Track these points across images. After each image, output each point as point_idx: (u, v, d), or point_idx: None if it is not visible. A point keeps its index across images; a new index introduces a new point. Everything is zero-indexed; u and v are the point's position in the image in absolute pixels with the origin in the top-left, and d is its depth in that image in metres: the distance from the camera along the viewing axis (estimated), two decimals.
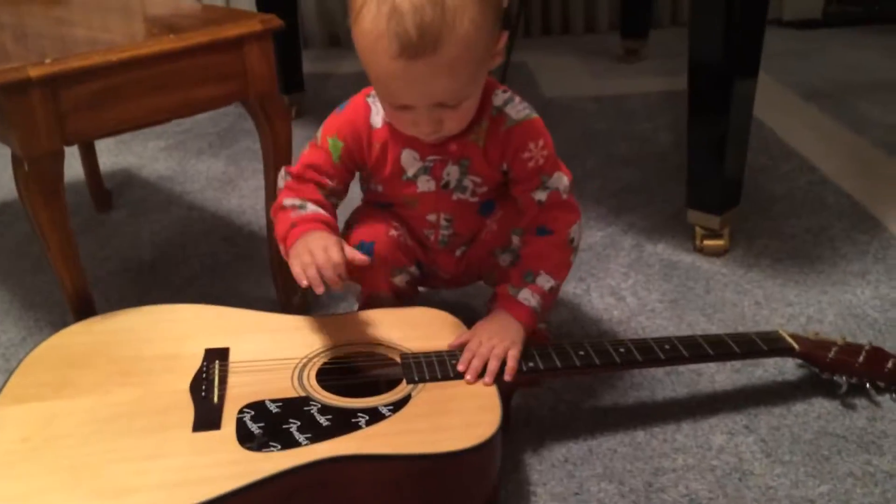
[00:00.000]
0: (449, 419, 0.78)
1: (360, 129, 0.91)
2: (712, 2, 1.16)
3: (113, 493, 0.69)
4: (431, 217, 0.97)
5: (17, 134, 0.87)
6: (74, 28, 1.11)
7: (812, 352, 0.97)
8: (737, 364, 1.03)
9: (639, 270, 1.27)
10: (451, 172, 0.92)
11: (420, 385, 0.82)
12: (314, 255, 0.83)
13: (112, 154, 1.82)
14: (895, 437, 0.91)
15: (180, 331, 0.91)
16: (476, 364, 0.84)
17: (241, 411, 0.77)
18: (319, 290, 0.81)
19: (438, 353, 0.87)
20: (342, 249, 0.84)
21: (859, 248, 1.30)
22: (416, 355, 0.87)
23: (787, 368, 1.03)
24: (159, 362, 0.85)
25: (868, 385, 0.96)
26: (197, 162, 1.78)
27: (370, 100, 0.92)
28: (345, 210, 0.99)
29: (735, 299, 1.18)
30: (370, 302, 0.98)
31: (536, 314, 0.91)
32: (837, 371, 0.96)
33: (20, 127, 0.87)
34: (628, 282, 1.24)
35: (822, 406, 0.96)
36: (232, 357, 0.86)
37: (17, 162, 0.91)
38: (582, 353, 0.89)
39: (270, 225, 1.14)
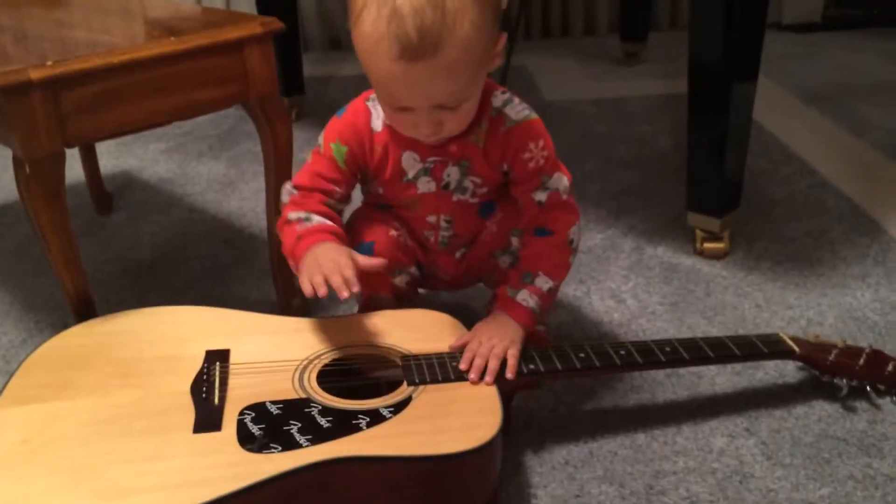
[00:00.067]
0: (449, 421, 0.78)
1: (361, 133, 0.92)
2: (712, 4, 1.16)
3: (113, 494, 0.69)
4: (431, 218, 0.97)
5: (18, 136, 0.87)
6: (74, 30, 1.12)
7: (812, 354, 0.97)
8: (737, 366, 1.03)
9: (639, 273, 1.27)
10: (452, 173, 0.93)
11: (420, 387, 0.82)
12: (321, 266, 0.83)
13: (113, 156, 1.82)
14: None
15: (181, 332, 0.91)
16: (478, 363, 0.84)
17: (241, 413, 0.77)
18: (322, 290, 0.81)
19: (439, 355, 0.87)
20: (352, 260, 0.84)
21: (859, 251, 1.30)
22: (416, 357, 0.87)
23: (787, 371, 1.03)
24: (160, 364, 0.85)
25: (868, 388, 0.96)
26: (197, 164, 1.78)
27: (370, 103, 0.93)
28: (345, 211, 0.99)
29: (735, 302, 1.18)
30: (370, 303, 0.98)
31: (535, 315, 0.91)
32: (838, 374, 0.96)
33: (21, 129, 0.87)
34: (628, 284, 1.24)
35: (822, 409, 0.96)
36: (232, 359, 0.86)
37: (18, 164, 0.91)
38: (582, 354, 0.89)
39: (271, 227, 1.15)
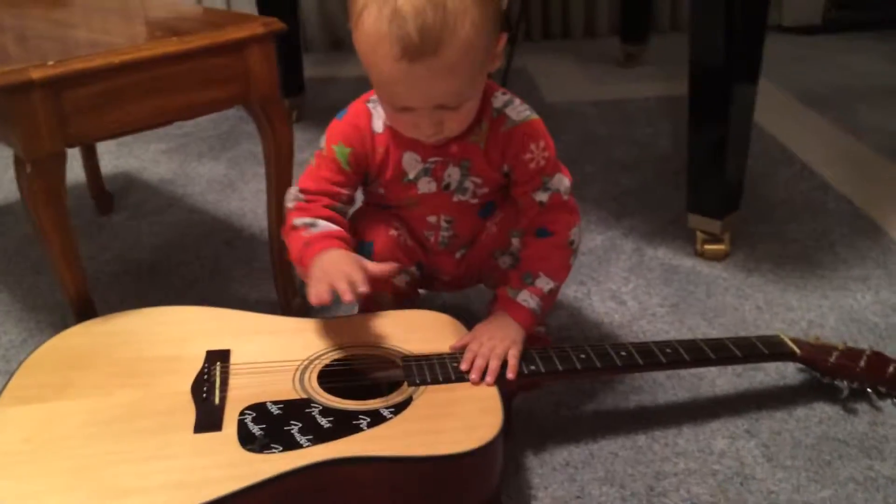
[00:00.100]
0: (450, 422, 0.78)
1: (363, 134, 0.92)
2: (713, 7, 1.16)
3: (114, 494, 0.69)
4: (431, 218, 0.97)
5: (19, 135, 0.87)
6: (75, 30, 1.11)
7: (813, 356, 0.97)
8: (738, 368, 1.03)
9: (639, 274, 1.27)
10: (452, 174, 0.93)
11: (421, 387, 0.82)
12: (329, 274, 0.82)
13: (113, 157, 1.82)
14: None
15: (181, 333, 0.91)
16: (479, 363, 0.84)
17: (242, 413, 0.77)
18: (327, 298, 0.80)
19: (439, 356, 0.87)
20: (361, 268, 0.83)
21: (860, 254, 1.30)
22: (417, 358, 0.86)
23: (788, 373, 1.03)
24: (160, 364, 0.85)
25: (869, 390, 0.96)
26: (198, 165, 1.78)
27: (370, 105, 0.93)
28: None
29: (736, 304, 1.18)
30: (370, 303, 0.98)
31: (535, 315, 0.91)
32: (839, 376, 0.96)
33: (22, 128, 0.87)
34: (629, 286, 1.24)
35: (823, 411, 0.96)
36: (233, 359, 0.86)
37: (19, 163, 0.91)
38: (583, 356, 0.89)
39: (272, 228, 1.15)
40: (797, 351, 0.96)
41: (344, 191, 0.93)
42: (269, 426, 0.76)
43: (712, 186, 1.27)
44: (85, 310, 0.97)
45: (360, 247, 0.93)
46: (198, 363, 0.85)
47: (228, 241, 1.44)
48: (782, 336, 0.98)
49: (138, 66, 0.93)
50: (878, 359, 0.98)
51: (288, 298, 1.19)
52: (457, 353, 0.87)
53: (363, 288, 0.81)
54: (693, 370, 1.03)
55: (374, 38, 0.77)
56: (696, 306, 1.18)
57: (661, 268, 1.28)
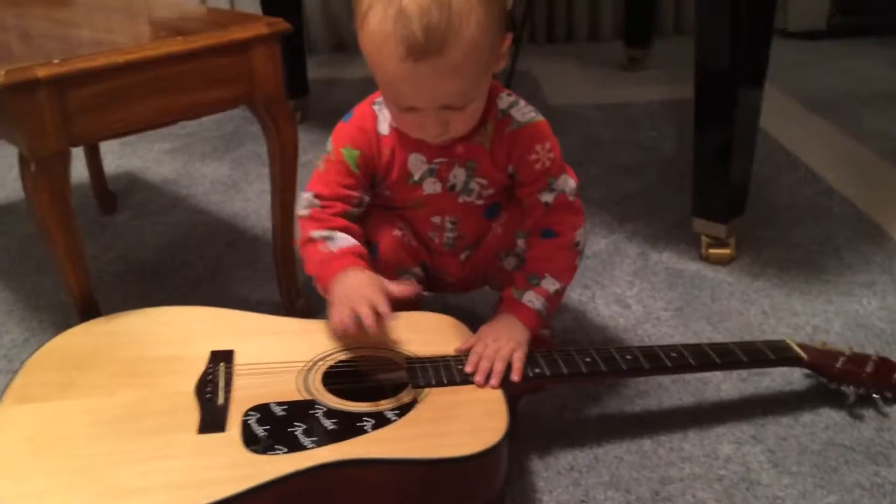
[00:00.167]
0: (455, 424, 0.78)
1: (370, 136, 0.91)
2: (719, 11, 1.16)
3: (116, 494, 0.68)
4: (436, 219, 0.97)
5: (24, 134, 0.87)
6: (79, 29, 1.11)
7: (819, 362, 0.96)
8: (743, 373, 1.03)
9: (644, 278, 1.26)
10: (458, 175, 0.92)
11: (426, 390, 0.82)
12: (351, 299, 0.82)
13: (116, 156, 1.82)
14: None
15: (185, 333, 0.90)
16: (484, 365, 0.83)
17: (246, 414, 0.77)
18: (348, 323, 0.80)
19: (444, 358, 0.86)
20: (382, 290, 0.83)
21: (865, 259, 1.29)
22: (421, 360, 0.86)
23: (794, 378, 1.02)
24: (164, 364, 0.84)
25: (876, 395, 0.96)
26: (201, 165, 1.78)
27: (376, 107, 0.92)
28: None
29: (741, 308, 1.17)
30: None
31: (541, 316, 0.91)
32: (845, 381, 0.96)
33: (27, 127, 0.87)
34: (633, 289, 1.23)
35: (829, 416, 0.95)
36: (237, 359, 0.85)
37: (24, 162, 0.90)
38: (588, 359, 0.88)
39: (276, 229, 1.14)
40: (804, 356, 0.96)
41: (355, 194, 0.93)
42: (274, 427, 0.75)
43: (718, 190, 1.27)
44: (88, 309, 0.96)
45: (366, 247, 0.92)
46: (201, 363, 0.84)
47: (231, 242, 1.43)
48: (789, 341, 0.97)
49: (143, 66, 0.93)
50: (885, 364, 0.97)
51: (291, 300, 1.18)
52: (461, 356, 0.87)
53: (384, 310, 0.81)
54: (698, 375, 1.02)
55: (380, 38, 0.77)
56: (700, 311, 1.17)
57: (666, 272, 1.28)
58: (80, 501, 0.68)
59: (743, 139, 1.24)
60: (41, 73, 0.85)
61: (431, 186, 0.93)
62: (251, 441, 0.73)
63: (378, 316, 0.80)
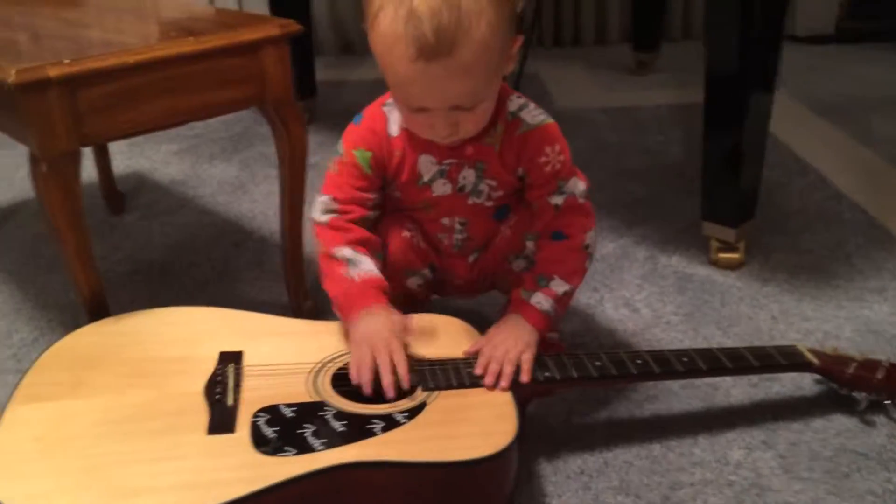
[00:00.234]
0: (465, 427, 0.78)
1: (381, 138, 0.92)
2: (729, 14, 1.15)
3: (125, 494, 0.68)
4: (445, 221, 0.96)
5: (35, 134, 0.87)
6: (88, 30, 1.11)
7: (831, 367, 0.96)
8: (753, 378, 1.02)
9: (653, 282, 1.26)
10: (468, 176, 0.92)
11: (435, 392, 0.82)
12: (374, 347, 0.82)
13: (125, 157, 1.82)
14: None
15: (194, 333, 0.90)
16: (493, 368, 0.83)
17: (255, 415, 0.77)
18: (367, 378, 0.81)
19: (453, 361, 0.86)
20: (403, 329, 0.85)
21: (876, 264, 1.29)
22: (430, 362, 0.86)
23: (804, 384, 1.01)
24: (173, 364, 0.84)
25: (887, 402, 0.95)
26: (209, 166, 1.78)
27: (386, 109, 0.92)
28: None
29: (751, 313, 1.17)
30: None
31: (549, 318, 0.90)
32: (856, 387, 0.95)
33: (38, 126, 0.87)
34: (642, 293, 1.23)
35: (841, 422, 0.95)
36: (246, 360, 0.85)
37: (34, 162, 0.90)
38: (598, 363, 0.88)
39: (284, 229, 1.14)
40: (815, 361, 0.95)
41: (370, 196, 0.93)
42: (283, 429, 0.75)
43: (727, 195, 1.26)
44: (98, 309, 0.96)
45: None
46: (210, 364, 0.84)
47: (239, 243, 1.43)
48: (800, 346, 0.97)
49: (154, 66, 0.93)
50: None
51: (299, 301, 1.18)
52: (470, 358, 0.86)
53: (399, 357, 0.82)
54: (708, 380, 1.01)
55: (391, 38, 0.77)
56: (710, 315, 1.17)
57: (675, 276, 1.27)
58: (89, 501, 0.68)
59: (753, 144, 1.24)
60: (52, 72, 0.85)
61: (442, 187, 0.93)
62: (260, 442, 0.73)
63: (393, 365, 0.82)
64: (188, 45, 0.95)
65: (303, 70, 1.96)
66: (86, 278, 0.95)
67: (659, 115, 2.01)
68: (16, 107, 0.87)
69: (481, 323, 0.93)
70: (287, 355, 0.86)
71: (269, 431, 0.75)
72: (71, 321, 1.17)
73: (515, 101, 0.92)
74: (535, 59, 2.38)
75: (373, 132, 0.92)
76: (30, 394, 0.80)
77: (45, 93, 0.85)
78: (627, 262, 1.32)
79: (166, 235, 1.47)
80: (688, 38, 2.69)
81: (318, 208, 0.94)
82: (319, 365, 0.85)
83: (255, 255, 1.39)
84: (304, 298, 1.18)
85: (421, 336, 0.89)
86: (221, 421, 0.76)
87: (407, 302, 0.98)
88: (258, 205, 1.58)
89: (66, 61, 0.87)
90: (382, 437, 0.75)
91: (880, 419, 0.95)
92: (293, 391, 0.81)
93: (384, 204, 0.98)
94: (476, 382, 0.83)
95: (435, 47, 0.75)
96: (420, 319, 0.93)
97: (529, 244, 0.96)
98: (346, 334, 0.90)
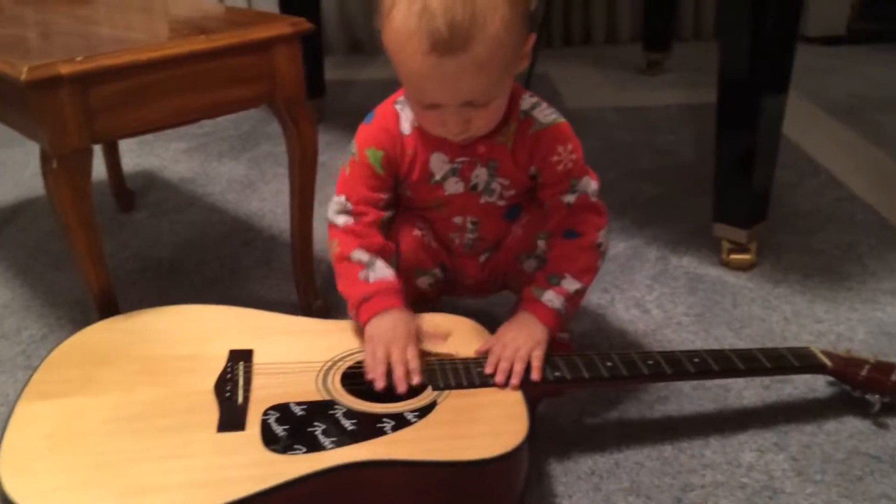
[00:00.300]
0: (476, 427, 0.77)
1: (393, 136, 0.91)
2: (743, 15, 1.15)
3: (135, 491, 0.68)
4: (457, 220, 0.96)
5: (46, 131, 0.87)
6: (99, 27, 1.12)
7: (844, 369, 0.95)
8: (766, 380, 1.01)
9: (664, 283, 1.25)
10: (480, 174, 0.92)
11: (445, 392, 0.81)
12: (392, 352, 0.83)
13: (134, 155, 1.82)
14: None
15: (204, 331, 0.90)
16: (503, 366, 0.83)
17: (265, 413, 0.76)
18: (381, 386, 0.81)
19: (463, 360, 0.86)
20: (416, 332, 0.86)
21: (889, 266, 1.27)
22: (441, 362, 0.85)
23: (817, 386, 1.01)
24: (183, 362, 0.84)
25: None
26: (218, 165, 1.78)
27: (398, 107, 0.92)
28: None
29: (763, 314, 1.16)
30: None
31: (560, 316, 0.90)
32: (870, 389, 0.94)
33: (50, 124, 0.87)
34: (653, 294, 1.22)
35: (854, 425, 0.94)
36: (256, 359, 0.85)
37: (45, 159, 0.91)
38: (609, 363, 0.87)
39: (294, 228, 1.14)
40: (828, 363, 0.94)
41: (383, 195, 0.93)
42: (293, 427, 0.75)
43: (739, 196, 1.25)
44: (108, 306, 0.96)
45: None
46: (220, 362, 0.84)
47: (248, 242, 1.43)
48: (813, 348, 0.96)
49: (166, 64, 0.93)
50: None
51: (309, 300, 1.18)
52: (480, 358, 0.86)
53: (412, 355, 0.83)
54: (720, 381, 1.01)
55: (404, 34, 0.77)
56: (722, 316, 1.16)
57: (686, 277, 1.27)
58: (99, 499, 0.68)
59: (766, 145, 1.23)
60: (64, 70, 0.85)
61: (454, 186, 0.93)
62: (271, 440, 0.73)
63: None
64: (200, 43, 0.95)
65: (312, 69, 1.96)
66: (96, 275, 0.95)
67: (670, 114, 2.00)
68: (27, 104, 0.87)
69: (492, 323, 0.92)
70: (297, 354, 0.86)
71: (279, 429, 0.74)
72: (80, 318, 1.18)
73: (528, 100, 0.92)
74: (545, 59, 2.37)
75: (384, 130, 0.91)
76: (40, 391, 0.80)
77: (57, 90, 0.85)
78: (638, 263, 1.31)
79: (175, 233, 1.47)
80: (699, 38, 2.68)
81: (332, 209, 0.94)
82: (329, 363, 0.85)
83: (265, 254, 1.39)
84: (314, 297, 1.18)
85: (432, 335, 0.89)
86: (231, 419, 0.76)
87: (417, 301, 0.97)
88: (267, 203, 1.58)
89: (79, 59, 0.87)
90: (392, 436, 0.74)
91: (893, 422, 0.94)
92: (303, 389, 0.81)
93: (397, 203, 0.97)
94: (486, 382, 0.83)
95: (449, 42, 0.75)
96: (431, 319, 0.93)
97: (541, 244, 0.95)
98: (359, 333, 0.90)
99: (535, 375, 0.83)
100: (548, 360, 0.86)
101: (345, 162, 0.94)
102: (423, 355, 0.86)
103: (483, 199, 0.94)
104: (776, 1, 1.12)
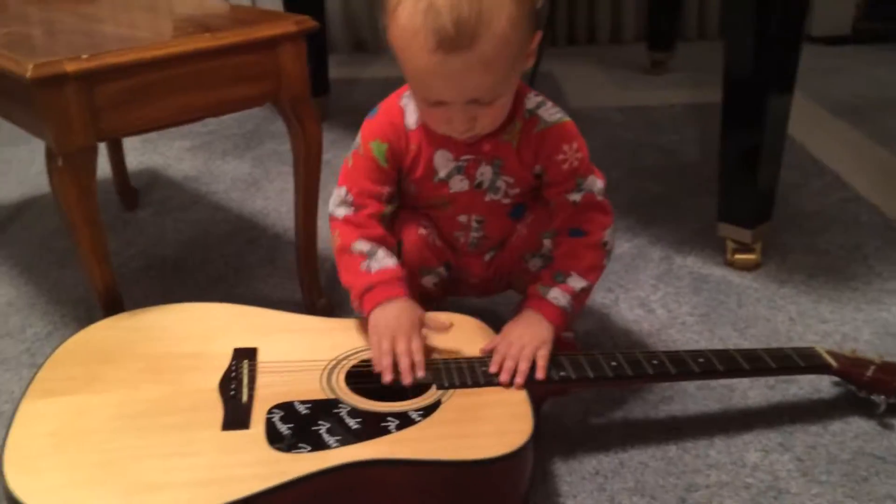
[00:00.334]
0: (480, 426, 0.77)
1: (398, 130, 0.91)
2: (748, 15, 1.14)
3: (140, 489, 0.68)
4: (462, 218, 0.96)
5: (52, 128, 0.87)
6: (103, 25, 1.12)
7: (850, 370, 0.95)
8: (771, 380, 1.01)
9: (668, 283, 1.25)
10: (485, 172, 0.92)
11: (450, 391, 0.81)
12: (397, 343, 0.83)
13: (138, 153, 1.82)
14: None
15: (208, 329, 0.90)
16: (509, 365, 0.83)
17: (270, 411, 0.76)
18: (388, 379, 0.82)
19: (468, 360, 0.86)
20: (420, 322, 0.86)
21: (894, 267, 1.27)
22: (445, 361, 0.85)
23: (822, 386, 1.00)
24: (187, 360, 0.84)
25: None
26: (222, 163, 1.78)
27: (403, 102, 0.92)
28: None
29: (768, 314, 1.16)
30: None
31: (566, 314, 0.90)
32: (875, 390, 0.94)
33: (55, 121, 0.87)
34: (657, 294, 1.22)
35: (859, 425, 0.94)
36: (260, 357, 0.85)
37: (51, 157, 0.91)
38: (614, 363, 0.87)
39: (299, 227, 1.14)
40: (833, 364, 0.94)
41: (385, 189, 0.92)
42: (297, 425, 0.75)
43: (744, 195, 1.25)
44: (112, 304, 0.96)
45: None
46: (225, 360, 0.84)
47: (252, 240, 1.43)
48: (818, 348, 0.96)
49: (172, 62, 0.93)
50: None
51: (313, 299, 1.18)
52: (485, 357, 0.86)
53: (421, 373, 0.82)
54: (724, 381, 1.00)
55: (410, 31, 0.77)
56: (726, 316, 1.16)
57: (691, 276, 1.26)
58: (103, 496, 0.68)
59: (771, 145, 1.22)
60: (70, 67, 0.85)
61: (459, 184, 0.92)
62: (275, 439, 0.73)
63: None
64: (205, 41, 0.95)
65: (316, 68, 1.95)
66: (101, 273, 0.95)
67: (674, 114, 2.00)
68: (33, 101, 0.87)
69: (496, 322, 0.92)
70: (301, 352, 0.86)
71: (283, 428, 0.74)
72: (84, 316, 1.18)
73: (533, 99, 0.92)
74: (549, 58, 2.37)
75: (390, 123, 0.91)
76: (44, 388, 0.80)
77: (63, 88, 0.86)
78: (643, 263, 1.31)
79: (179, 231, 1.47)
80: (703, 37, 2.68)
81: (333, 201, 0.94)
82: (334, 362, 0.85)
83: (269, 252, 1.39)
84: (318, 295, 1.18)
85: (436, 334, 0.89)
86: (236, 417, 0.76)
87: (422, 301, 0.97)
88: (271, 202, 1.58)
89: (84, 56, 0.87)
90: (397, 435, 0.74)
91: None
92: (308, 388, 0.80)
93: (400, 200, 0.97)
94: (491, 381, 0.83)
95: (455, 40, 0.75)
96: (435, 317, 0.92)
97: (546, 243, 0.95)
98: (363, 331, 0.89)
99: (540, 375, 0.83)
100: (552, 360, 0.86)
101: (348, 155, 0.94)
102: (428, 354, 0.86)
103: (488, 196, 0.94)
104: (781, 0, 1.12)
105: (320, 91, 2.00)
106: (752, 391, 1.00)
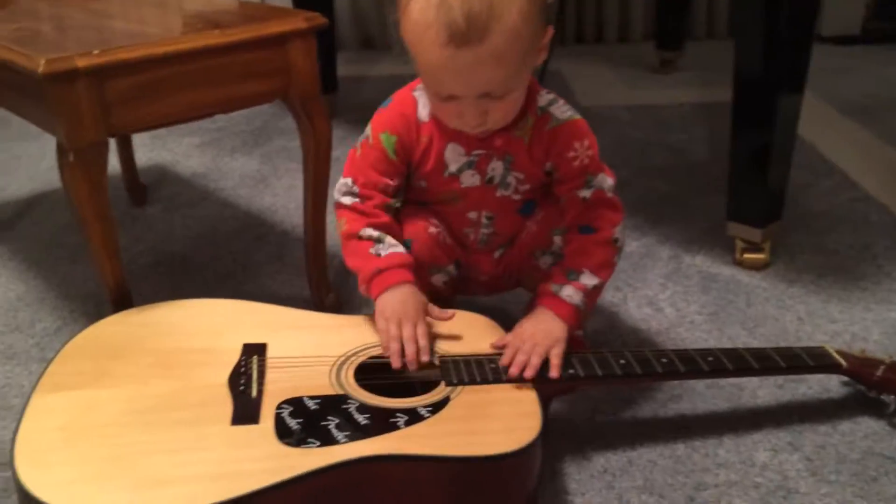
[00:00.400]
0: (489, 423, 0.77)
1: (409, 122, 0.91)
2: (758, 15, 1.14)
3: (149, 484, 0.68)
4: (472, 215, 0.96)
5: (63, 124, 0.87)
6: (113, 21, 1.12)
7: (859, 369, 0.94)
8: (780, 380, 1.01)
9: (677, 282, 1.25)
10: (496, 168, 0.92)
11: (459, 388, 0.81)
12: (403, 328, 0.85)
13: (147, 149, 1.83)
14: None
15: (217, 325, 0.90)
16: (520, 359, 0.83)
17: (279, 406, 0.77)
18: (397, 365, 0.83)
19: (477, 357, 0.86)
20: (425, 308, 0.88)
21: None
22: (454, 358, 0.85)
23: (831, 386, 1.00)
24: (197, 355, 0.84)
25: None
26: (230, 160, 1.79)
27: (416, 94, 0.92)
28: None
29: (777, 314, 1.15)
30: None
31: (579, 312, 0.90)
32: (885, 390, 0.94)
33: (66, 117, 0.87)
34: (666, 293, 1.22)
35: (868, 425, 0.93)
36: (269, 353, 0.85)
37: (62, 152, 0.91)
38: (622, 361, 0.87)
39: (308, 224, 1.14)
40: (843, 363, 0.93)
41: (392, 182, 0.93)
42: (306, 421, 0.75)
43: (754, 195, 1.25)
44: (122, 300, 0.97)
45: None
46: (234, 356, 0.84)
47: (260, 237, 1.43)
48: (827, 347, 0.95)
49: (182, 58, 0.93)
50: None
51: (321, 295, 1.18)
52: (495, 355, 0.86)
53: (426, 358, 0.84)
54: (733, 380, 1.00)
55: (422, 25, 0.77)
56: (735, 315, 1.15)
57: (699, 275, 1.26)
58: (113, 490, 0.68)
59: (781, 145, 1.22)
60: (81, 63, 0.86)
61: (470, 179, 0.92)
62: (284, 434, 0.73)
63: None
64: (215, 38, 0.95)
65: (325, 65, 1.94)
66: (111, 268, 0.95)
67: (682, 113, 2.00)
68: (44, 97, 0.87)
69: (506, 320, 0.92)
70: (310, 348, 0.86)
71: (292, 423, 0.74)
72: (94, 311, 1.18)
73: (545, 97, 0.92)
74: (558, 57, 2.36)
75: (402, 115, 0.91)
76: (54, 383, 0.80)
77: (74, 83, 0.86)
78: (651, 261, 1.31)
79: (188, 228, 1.48)
80: (711, 36, 2.67)
81: (338, 190, 0.94)
82: (342, 358, 0.85)
83: (277, 249, 1.39)
84: (327, 292, 1.18)
85: (445, 331, 0.89)
86: (245, 412, 0.76)
87: (431, 300, 0.97)
88: (279, 198, 1.58)
89: (95, 52, 0.87)
90: (406, 431, 0.74)
91: None
92: (316, 384, 0.81)
93: (406, 195, 0.97)
94: (500, 378, 0.83)
95: (466, 34, 0.75)
96: (445, 315, 0.92)
97: (557, 240, 0.95)
98: (371, 328, 0.89)
99: (555, 374, 0.83)
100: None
101: (356, 144, 0.94)
102: (437, 351, 0.86)
103: (499, 192, 0.94)
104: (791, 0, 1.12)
105: (329, 88, 2.00)
106: (762, 390, 0.99)
